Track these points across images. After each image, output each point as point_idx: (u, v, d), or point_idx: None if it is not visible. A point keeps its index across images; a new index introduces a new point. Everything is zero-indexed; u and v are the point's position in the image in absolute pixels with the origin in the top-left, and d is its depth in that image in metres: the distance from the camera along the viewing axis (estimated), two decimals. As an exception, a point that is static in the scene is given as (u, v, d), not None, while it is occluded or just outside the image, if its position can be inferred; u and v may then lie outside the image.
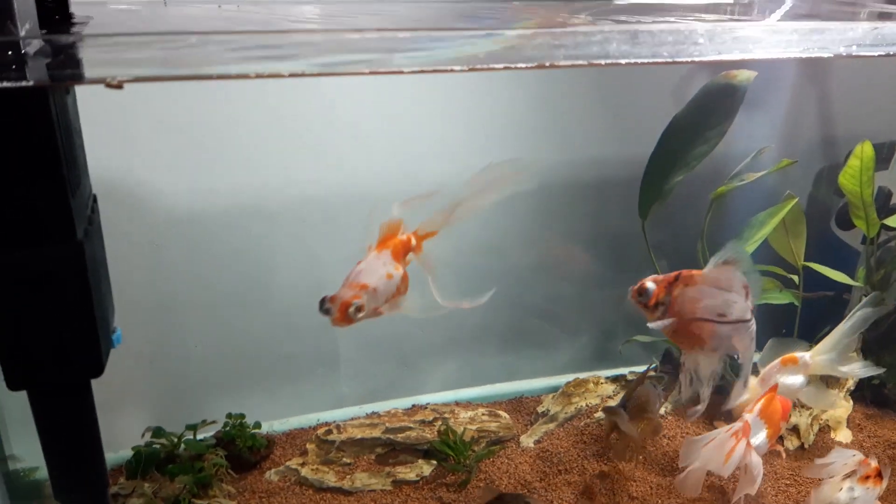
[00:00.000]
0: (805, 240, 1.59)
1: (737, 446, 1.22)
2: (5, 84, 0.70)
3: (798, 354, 1.34)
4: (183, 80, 0.77)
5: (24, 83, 0.70)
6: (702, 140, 1.48)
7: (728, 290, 1.11)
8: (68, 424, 0.99)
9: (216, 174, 1.52)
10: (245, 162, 1.52)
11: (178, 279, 1.55)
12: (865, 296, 1.62)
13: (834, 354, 1.34)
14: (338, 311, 0.96)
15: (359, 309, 0.96)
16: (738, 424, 1.25)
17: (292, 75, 0.79)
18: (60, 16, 1.09)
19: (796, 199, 1.54)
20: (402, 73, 0.81)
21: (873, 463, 1.27)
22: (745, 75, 1.47)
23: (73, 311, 0.93)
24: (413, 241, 1.06)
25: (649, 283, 1.11)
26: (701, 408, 1.16)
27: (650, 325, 1.11)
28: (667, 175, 1.50)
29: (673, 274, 1.12)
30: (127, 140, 1.44)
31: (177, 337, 1.59)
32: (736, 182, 1.50)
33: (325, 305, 0.97)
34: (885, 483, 1.26)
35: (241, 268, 1.58)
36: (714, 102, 1.49)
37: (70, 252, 0.90)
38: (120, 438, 1.48)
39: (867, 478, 1.25)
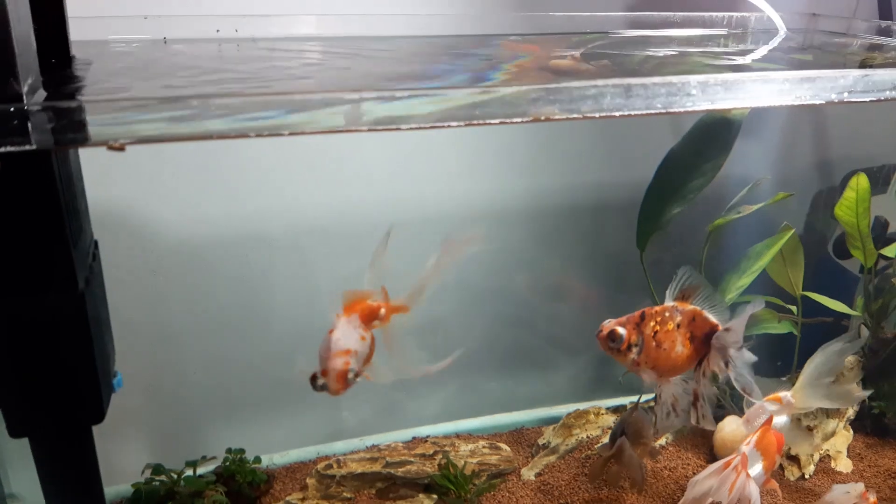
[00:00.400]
0: (803, 269, 1.60)
1: (738, 479, 1.24)
2: (9, 149, 0.71)
3: (781, 394, 1.37)
4: (184, 140, 0.78)
5: (27, 147, 0.72)
6: (698, 173, 1.50)
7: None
8: (69, 470, 1.00)
9: (213, 201, 1.53)
10: (242, 189, 1.53)
11: (176, 307, 1.56)
12: (864, 325, 1.63)
13: (811, 389, 1.35)
14: (337, 381, 0.98)
15: (356, 374, 0.98)
16: (736, 457, 1.26)
17: (292, 134, 0.81)
18: (61, 60, 1.11)
19: (793, 231, 1.54)
20: (399, 129, 0.82)
21: (872, 497, 1.28)
22: (740, 109, 1.48)
23: (74, 360, 0.94)
24: (383, 311, 1.08)
25: (619, 329, 1.15)
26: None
27: (645, 379, 1.14)
28: (663, 208, 1.51)
29: (637, 313, 1.16)
30: (125, 167, 1.45)
31: (175, 365, 1.59)
32: (733, 214, 1.51)
33: (318, 382, 0.98)
34: None
35: (238, 295, 1.59)
36: (710, 136, 1.50)
37: (72, 302, 0.92)
38: (118, 469, 1.49)
39: None
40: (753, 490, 1.26)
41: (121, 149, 0.74)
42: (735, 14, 1.66)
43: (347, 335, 1.01)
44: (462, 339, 1.76)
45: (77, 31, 1.10)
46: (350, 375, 0.97)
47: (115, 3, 1.33)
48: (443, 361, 1.09)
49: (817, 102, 1.00)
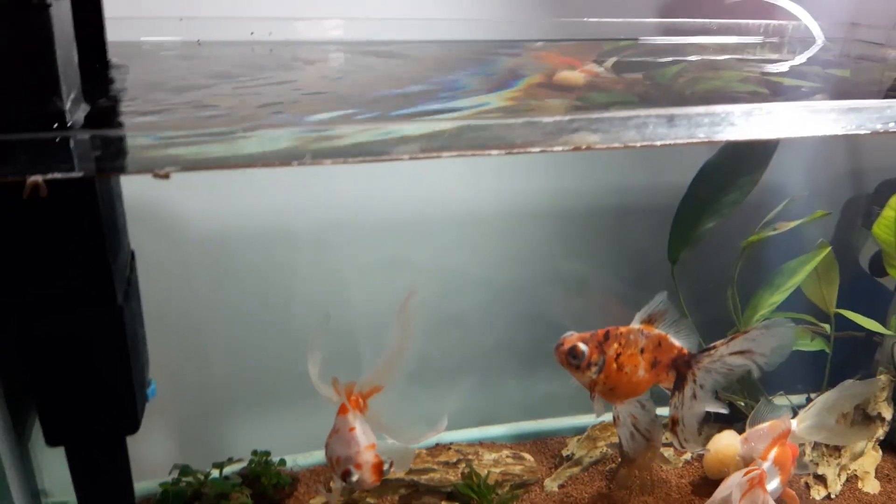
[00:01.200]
0: (838, 287, 1.57)
1: (757, 495, 1.25)
2: (56, 175, 0.72)
3: (785, 423, 1.38)
4: (231, 168, 0.78)
5: (72, 175, 0.72)
6: (734, 188, 1.47)
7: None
8: (103, 478, 1.02)
9: (237, 195, 1.53)
10: (267, 182, 1.53)
11: (203, 302, 1.57)
12: (897, 345, 1.60)
13: (817, 421, 1.36)
14: (374, 474, 1.03)
15: (391, 464, 1.03)
16: (755, 473, 1.26)
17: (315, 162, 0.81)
18: (100, 66, 1.12)
19: (829, 248, 1.52)
20: (440, 157, 0.81)
21: None
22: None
23: (111, 373, 0.95)
24: (361, 402, 1.13)
25: (581, 345, 1.13)
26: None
27: (596, 404, 1.15)
28: (697, 222, 1.49)
29: (601, 332, 1.15)
30: None
31: (201, 362, 1.61)
32: (768, 231, 1.48)
33: (353, 478, 1.03)
34: None
35: (264, 291, 1.59)
36: (748, 150, 1.48)
37: (110, 317, 0.93)
38: (143, 465, 1.51)
39: None
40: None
41: (166, 177, 0.74)
42: (772, 22, 1.62)
43: (365, 428, 1.06)
44: (482, 337, 1.76)
45: (109, 32, 1.11)
46: (385, 467, 1.02)
47: (147, 3, 1.34)
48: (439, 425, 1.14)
49: (862, 132, 0.98)
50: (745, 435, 1.39)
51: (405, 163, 1.63)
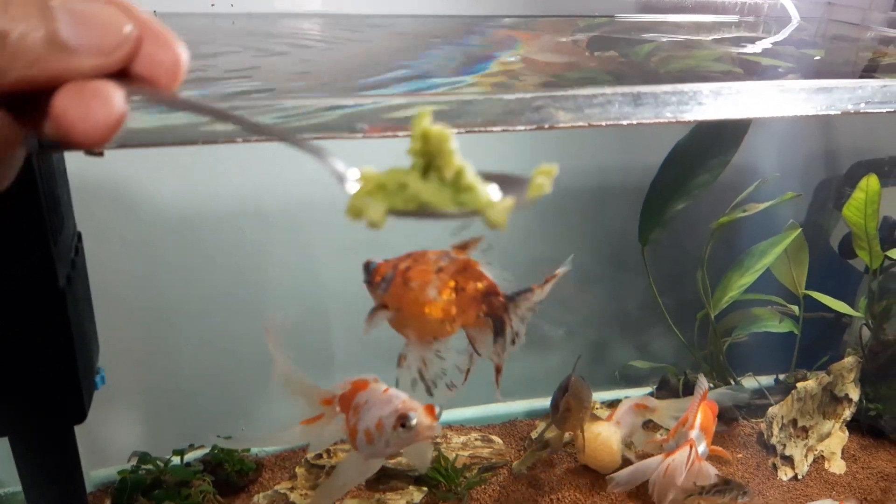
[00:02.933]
0: (807, 268, 1.57)
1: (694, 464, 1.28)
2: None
3: (648, 402, 1.46)
4: (173, 146, 0.74)
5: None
6: (704, 169, 1.46)
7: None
8: (50, 470, 0.98)
9: (207, 173, 1.48)
10: (237, 161, 1.48)
11: (168, 284, 1.52)
12: (866, 325, 1.60)
13: (672, 413, 1.43)
14: (430, 415, 0.99)
15: (441, 408, 1.02)
16: (689, 453, 1.28)
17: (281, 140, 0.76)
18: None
19: (799, 230, 1.51)
20: (396, 136, 0.78)
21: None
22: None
23: (54, 360, 0.91)
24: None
25: (375, 259, 0.98)
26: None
27: (364, 328, 0.96)
28: (667, 203, 1.47)
29: (406, 254, 0.98)
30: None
31: (164, 345, 1.57)
32: (738, 213, 1.47)
33: (412, 421, 0.98)
34: None
35: (233, 272, 1.55)
36: (718, 131, 1.45)
37: (52, 300, 0.89)
38: (107, 451, 1.48)
39: None
40: (710, 470, 1.30)
41: (100, 154, 0.70)
42: (748, 0, 1.60)
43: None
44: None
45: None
46: (437, 410, 1.01)
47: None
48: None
49: (832, 113, 0.96)
50: (616, 416, 1.46)
51: (378, 142, 1.61)
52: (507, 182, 0.49)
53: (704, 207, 1.56)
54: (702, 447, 1.33)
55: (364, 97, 0.78)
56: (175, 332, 1.55)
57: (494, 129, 0.80)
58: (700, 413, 1.34)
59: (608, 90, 0.82)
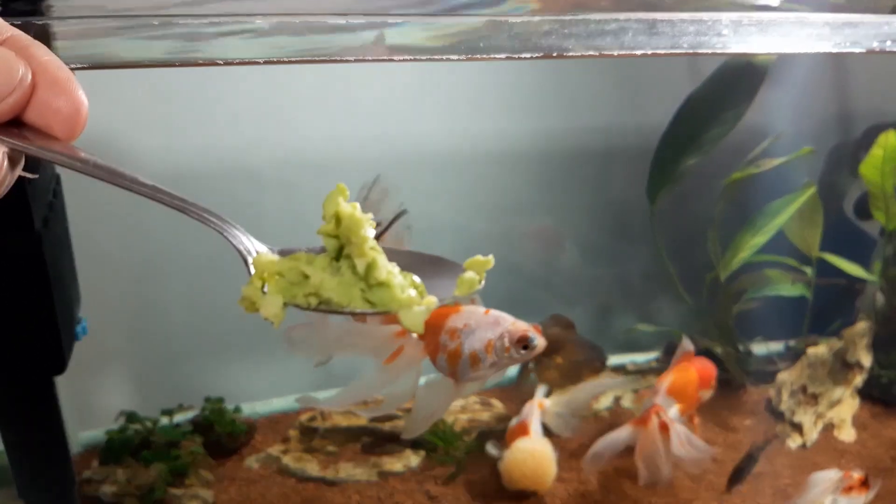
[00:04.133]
0: (821, 230, 1.51)
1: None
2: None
3: (544, 401, 1.36)
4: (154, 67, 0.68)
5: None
6: (718, 122, 1.39)
7: None
8: (30, 424, 0.94)
9: (200, 131, 1.43)
10: (230, 119, 1.43)
11: (158, 245, 1.48)
12: (881, 290, 1.55)
13: (561, 411, 1.33)
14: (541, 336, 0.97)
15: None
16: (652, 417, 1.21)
17: (267, 62, 0.71)
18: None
19: (814, 188, 1.45)
20: (392, 60, 0.72)
21: (856, 474, 1.22)
22: (766, 55, 1.37)
23: (31, 307, 0.86)
24: None
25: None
26: None
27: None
28: (679, 158, 1.42)
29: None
30: (104, 96, 1.36)
31: (154, 305, 1.52)
32: (751, 169, 1.41)
33: (535, 342, 0.95)
34: (873, 490, 1.22)
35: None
36: (732, 82, 1.39)
37: (27, 243, 0.83)
38: (96, 413, 1.43)
39: (850, 489, 1.21)
40: (695, 441, 1.21)
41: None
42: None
43: None
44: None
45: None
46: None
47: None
48: None
49: (857, 51, 0.90)
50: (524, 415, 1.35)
51: (376, 98, 1.55)
52: (436, 267, 0.44)
53: (715, 167, 1.50)
54: (672, 411, 1.25)
55: (369, 16, 0.72)
56: (164, 293, 1.51)
57: (498, 56, 0.75)
58: (672, 377, 1.27)
59: (621, 16, 0.76)
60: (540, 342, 0.97)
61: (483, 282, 0.43)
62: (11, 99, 0.35)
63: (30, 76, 0.35)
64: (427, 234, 1.63)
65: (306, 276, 0.40)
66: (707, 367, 1.34)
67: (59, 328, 0.87)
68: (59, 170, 1.00)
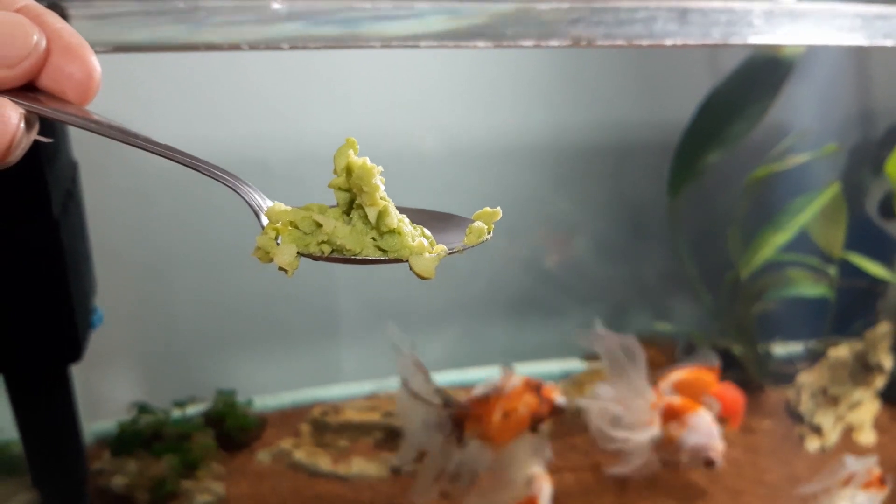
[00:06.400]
0: (845, 230, 1.49)
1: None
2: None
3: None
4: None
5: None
6: (741, 117, 1.37)
7: None
8: (45, 412, 0.93)
9: (208, 122, 1.41)
10: (239, 111, 1.41)
11: (167, 235, 1.46)
12: (902, 292, 1.52)
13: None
14: None
15: None
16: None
17: (293, 48, 0.69)
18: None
19: (838, 186, 1.42)
20: (418, 46, 0.70)
21: (875, 470, 1.21)
22: (793, 49, 1.35)
23: (48, 294, 0.85)
24: None
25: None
26: None
27: None
28: (701, 153, 1.39)
29: None
30: (114, 82, 1.34)
31: (166, 296, 1.51)
32: (775, 166, 1.39)
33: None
34: (888, 489, 1.20)
35: (233, 225, 1.50)
36: (757, 77, 1.37)
37: (45, 230, 0.82)
38: (108, 404, 1.42)
39: (869, 484, 1.19)
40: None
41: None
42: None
43: None
44: (468, 282, 1.67)
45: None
46: None
47: None
48: None
49: (889, 44, 0.88)
50: None
51: (385, 91, 1.54)
52: (445, 222, 0.44)
53: (738, 164, 1.48)
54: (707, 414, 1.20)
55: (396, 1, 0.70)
56: (177, 285, 1.50)
57: (525, 43, 0.73)
58: (684, 375, 1.24)
59: (652, 4, 0.75)
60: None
61: (491, 233, 0.43)
62: (27, 63, 0.36)
63: (44, 42, 0.36)
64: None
65: (319, 226, 0.40)
66: (734, 399, 1.28)
67: (75, 316, 0.86)
68: (77, 158, 0.99)
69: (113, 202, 1.38)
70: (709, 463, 1.08)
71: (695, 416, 1.08)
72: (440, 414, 1.10)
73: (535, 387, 1.16)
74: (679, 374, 1.25)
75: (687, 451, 1.08)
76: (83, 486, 0.98)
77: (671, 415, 1.11)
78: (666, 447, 1.14)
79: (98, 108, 0.44)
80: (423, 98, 1.52)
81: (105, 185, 1.36)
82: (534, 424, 1.15)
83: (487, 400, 1.14)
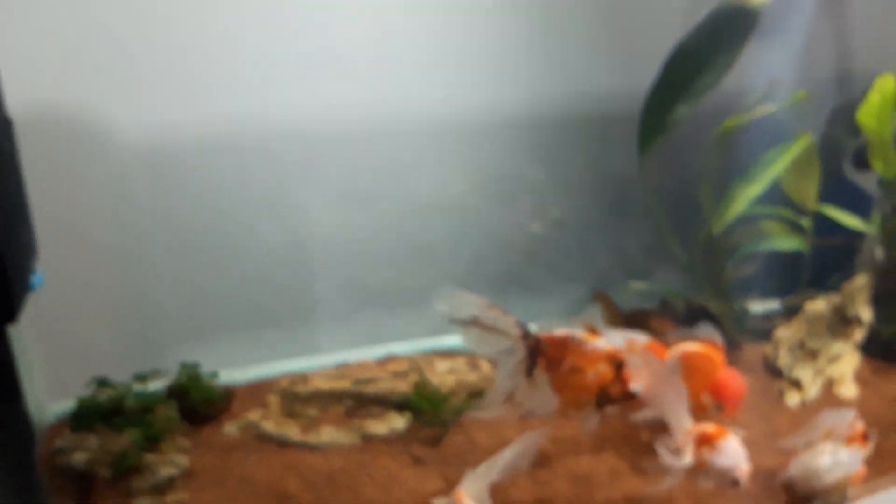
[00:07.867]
0: (818, 181, 1.46)
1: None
2: None
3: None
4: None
5: None
6: (709, 68, 1.34)
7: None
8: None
9: (181, 104, 1.38)
10: (213, 91, 1.39)
11: (142, 219, 1.43)
12: (880, 243, 1.50)
13: (476, 480, 1.11)
14: None
15: None
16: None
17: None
18: None
19: (810, 137, 1.40)
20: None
21: (858, 426, 1.18)
22: (760, -2, 1.32)
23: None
24: None
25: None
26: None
27: None
28: (669, 107, 1.37)
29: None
30: (81, 65, 1.30)
31: (134, 275, 1.47)
32: (745, 115, 1.36)
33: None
34: (871, 445, 1.18)
35: (209, 208, 1.46)
36: (723, 27, 1.34)
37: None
38: (71, 385, 1.38)
39: (852, 440, 1.17)
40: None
41: None
42: None
43: None
44: (448, 261, 1.64)
45: None
46: None
47: None
48: None
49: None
50: None
51: (359, 66, 1.50)
52: None
53: (709, 119, 1.45)
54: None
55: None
56: (142, 261, 1.46)
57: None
58: (692, 348, 1.20)
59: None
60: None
61: None
62: None
63: None
64: (417, 211, 1.59)
65: None
66: (737, 388, 1.23)
67: (7, 273, 0.82)
68: (39, 162, 0.95)
69: (74, 172, 1.34)
70: (734, 483, 1.09)
71: (725, 441, 1.10)
72: (518, 343, 1.06)
73: (616, 362, 1.09)
74: (685, 348, 1.20)
75: (715, 471, 1.10)
76: (31, 457, 0.94)
77: (704, 440, 1.11)
78: (696, 470, 1.13)
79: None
80: (394, 74, 1.49)
81: (69, 172, 1.32)
82: (600, 401, 1.09)
83: (564, 344, 1.08)
